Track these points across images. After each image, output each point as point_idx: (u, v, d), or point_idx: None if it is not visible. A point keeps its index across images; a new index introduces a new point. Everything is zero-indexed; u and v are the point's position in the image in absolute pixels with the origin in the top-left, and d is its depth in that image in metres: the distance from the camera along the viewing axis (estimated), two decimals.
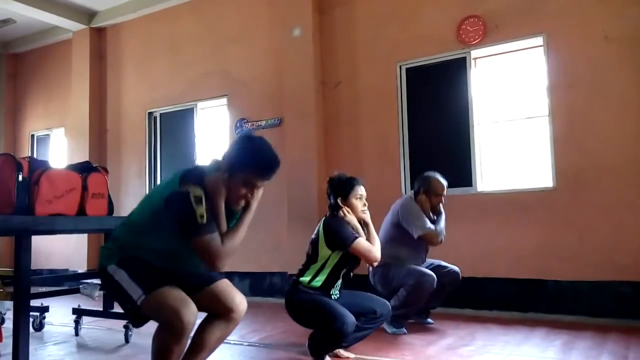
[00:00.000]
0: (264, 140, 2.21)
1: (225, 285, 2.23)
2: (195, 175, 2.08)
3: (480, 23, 4.81)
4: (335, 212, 3.11)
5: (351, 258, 3.05)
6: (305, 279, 3.02)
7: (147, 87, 7.06)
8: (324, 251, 3.01)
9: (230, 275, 5.95)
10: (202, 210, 1.98)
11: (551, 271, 4.39)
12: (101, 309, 3.99)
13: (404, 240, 3.86)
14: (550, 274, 4.39)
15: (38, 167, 2.89)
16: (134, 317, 2.15)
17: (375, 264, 3.12)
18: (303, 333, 3.27)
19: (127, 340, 3.67)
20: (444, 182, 3.97)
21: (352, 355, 3.13)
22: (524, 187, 4.67)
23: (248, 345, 3.57)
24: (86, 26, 7.43)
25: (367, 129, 5.41)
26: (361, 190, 3.16)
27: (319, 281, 3.00)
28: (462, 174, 4.88)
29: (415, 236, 3.82)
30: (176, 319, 1.93)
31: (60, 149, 7.97)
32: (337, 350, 3.08)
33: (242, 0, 6.36)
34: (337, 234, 2.99)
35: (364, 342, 3.36)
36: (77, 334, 3.99)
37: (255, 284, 5.92)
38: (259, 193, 2.20)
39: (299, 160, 5.56)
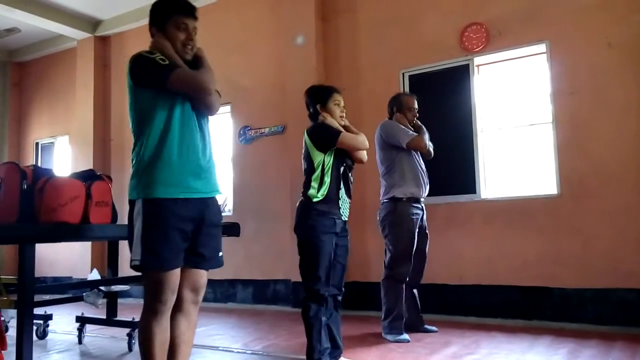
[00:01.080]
0: None
1: (200, 274, 2.24)
2: (140, 51, 2.21)
3: (483, 30, 4.82)
4: (315, 119, 3.15)
5: (344, 154, 3.08)
6: (312, 192, 2.99)
7: None
8: (316, 156, 3.02)
9: (233, 283, 5.97)
10: (159, 57, 2.12)
11: (555, 278, 4.37)
12: (104, 317, 3.99)
13: (398, 159, 3.94)
14: (555, 282, 4.37)
15: (42, 175, 2.91)
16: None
17: (365, 155, 3.14)
18: (305, 342, 3.26)
19: (130, 349, 3.66)
20: (414, 96, 4.15)
21: None
22: (528, 194, 4.66)
23: (252, 354, 3.56)
24: (90, 35, 7.49)
25: (371, 136, 5.36)
26: (339, 97, 3.18)
27: (324, 189, 2.98)
28: (466, 181, 4.87)
29: (404, 145, 3.89)
30: (159, 303, 2.06)
31: (64, 156, 8.00)
32: (340, 358, 3.07)
33: (245, 9, 6.40)
34: (321, 133, 3.04)
35: (367, 351, 3.36)
36: (80, 342, 4.00)
37: (259, 292, 5.91)
38: (202, 50, 2.32)
39: (301, 167, 5.55)
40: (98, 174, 3.26)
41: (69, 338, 4.17)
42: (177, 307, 2.20)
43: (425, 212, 4.06)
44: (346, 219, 3.10)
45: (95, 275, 3.89)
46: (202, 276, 2.25)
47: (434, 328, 4.09)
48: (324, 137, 3.04)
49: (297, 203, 3.11)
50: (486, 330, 4.15)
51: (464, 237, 4.76)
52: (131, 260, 2.09)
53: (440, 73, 5.13)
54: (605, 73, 4.30)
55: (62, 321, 4.64)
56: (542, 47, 4.64)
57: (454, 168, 4.96)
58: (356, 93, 5.54)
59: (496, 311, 4.57)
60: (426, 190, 4.04)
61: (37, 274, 7.89)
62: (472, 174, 4.86)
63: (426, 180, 4.06)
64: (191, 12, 2.26)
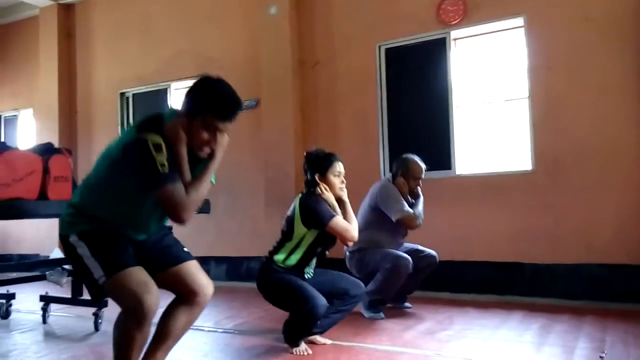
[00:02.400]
0: (222, 80, 2.07)
1: (192, 267, 2.13)
2: (153, 123, 1.95)
3: (460, 2, 4.72)
4: (312, 189, 3.01)
5: (327, 237, 2.97)
6: (280, 257, 2.93)
7: (118, 66, 6.82)
8: (299, 229, 2.92)
9: (206, 260, 5.86)
10: (162, 158, 1.86)
11: (528, 254, 4.39)
12: (70, 296, 3.86)
13: (382, 224, 3.80)
14: (527, 257, 4.39)
15: None
16: (94, 292, 2.07)
17: (351, 244, 3.04)
18: (279, 319, 3.20)
19: (96, 329, 3.55)
20: (423, 165, 3.92)
21: (328, 342, 3.07)
22: (502, 170, 4.64)
23: (223, 332, 3.49)
24: (53, 2, 7.12)
25: (346, 111, 5.31)
26: (339, 167, 3.06)
27: (293, 260, 2.92)
28: (440, 157, 4.83)
29: (394, 219, 3.75)
30: (137, 305, 1.85)
31: (29, 130, 7.69)
32: (313, 337, 3.02)
33: None
34: (313, 212, 2.91)
35: (340, 327, 3.32)
36: (44, 321, 3.86)
37: (232, 269, 5.82)
38: (224, 140, 2.08)
39: (276, 142, 5.45)
40: (57, 147, 3.09)
41: (33, 318, 4.03)
42: (184, 302, 2.08)
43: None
44: (310, 277, 3.01)
45: (57, 254, 3.73)
46: (195, 267, 2.14)
47: (407, 304, 4.08)
48: (315, 217, 2.90)
49: (261, 265, 3.01)
50: (459, 305, 4.17)
51: (438, 213, 4.72)
52: (98, 281, 1.93)
53: (417, 47, 5.03)
54: (582, 48, 4.26)
55: (28, 300, 4.48)
56: (519, 21, 4.57)
57: (429, 143, 4.90)
58: (331, 67, 5.41)
59: (469, 287, 4.59)
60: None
61: (3, 252, 7.68)
62: (447, 150, 4.82)
63: (402, 241, 3.97)
64: (230, 117, 2.01)
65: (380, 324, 3.57)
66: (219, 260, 5.88)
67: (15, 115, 7.87)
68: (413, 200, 3.90)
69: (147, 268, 1.99)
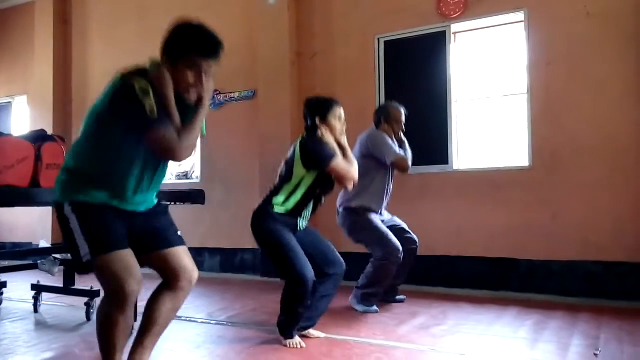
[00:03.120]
0: (199, 22, 2.07)
1: (180, 252, 2.09)
2: (138, 71, 1.94)
3: None
4: (312, 133, 2.97)
5: (326, 180, 2.93)
6: (279, 199, 2.88)
7: (114, 54, 6.74)
8: (299, 170, 2.88)
9: (200, 251, 5.84)
10: (150, 102, 1.83)
11: (524, 250, 4.38)
12: (61, 285, 3.82)
13: (374, 171, 3.82)
14: (523, 253, 4.38)
15: None
16: (79, 267, 2.03)
17: (351, 185, 2.99)
18: (273, 311, 3.18)
19: (88, 318, 3.51)
20: (402, 109, 4.02)
21: (322, 335, 3.05)
22: (500, 165, 4.62)
23: (216, 324, 3.46)
24: None
25: (344, 103, 5.09)
26: (341, 111, 3.04)
27: (291, 203, 2.88)
28: (439, 152, 4.80)
29: (389, 162, 3.79)
30: (120, 288, 1.85)
31: (23, 117, 7.61)
32: (307, 331, 3.00)
33: None
34: (315, 153, 2.87)
35: (334, 321, 3.30)
36: (36, 310, 3.82)
37: (226, 260, 5.80)
38: (210, 84, 2.04)
39: (272, 134, 5.41)
40: (50, 134, 3.04)
41: (24, 306, 3.99)
42: (168, 287, 2.05)
43: (384, 214, 3.98)
44: (303, 228, 2.98)
45: (45, 244, 3.69)
46: (183, 252, 2.10)
47: (402, 297, 4.07)
48: (316, 157, 2.86)
49: (257, 206, 2.96)
50: (454, 301, 4.15)
51: (435, 208, 4.72)
52: (82, 258, 1.90)
53: (416, 40, 4.98)
54: (583, 43, 4.23)
55: (20, 288, 4.44)
56: (520, 15, 4.53)
57: (427, 138, 4.87)
58: (330, 58, 5.37)
59: (464, 282, 4.57)
60: (384, 206, 3.95)
61: None
62: (445, 145, 4.79)
63: (388, 200, 3.98)
64: (213, 54, 2.00)
65: (374, 318, 3.55)
66: (213, 251, 5.85)
67: (9, 102, 7.79)
68: (400, 146, 3.92)
69: (137, 246, 1.98)
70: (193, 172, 6.28)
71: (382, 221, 3.87)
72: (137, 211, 2.04)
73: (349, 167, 2.92)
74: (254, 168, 5.53)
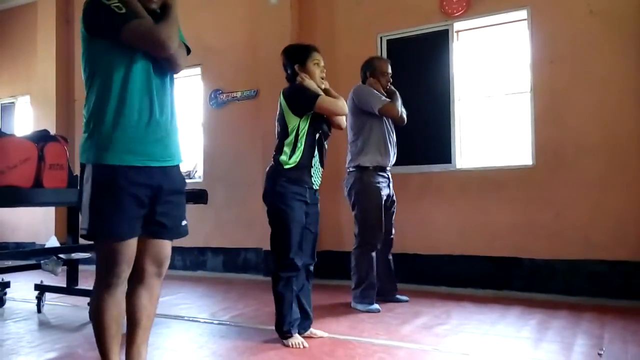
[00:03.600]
0: None
1: (163, 245, 2.07)
2: None
3: None
4: (293, 81, 2.99)
5: (321, 120, 2.94)
6: (283, 157, 2.87)
7: None
8: (291, 120, 2.87)
9: (203, 251, 5.84)
10: (115, 3, 1.88)
11: (527, 249, 4.36)
12: (65, 285, 3.83)
13: (368, 123, 3.83)
14: (526, 252, 4.37)
15: None
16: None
17: (343, 121, 3.01)
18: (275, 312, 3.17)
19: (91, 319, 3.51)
20: (387, 60, 4.03)
21: (325, 334, 3.05)
22: (503, 164, 4.61)
23: (218, 324, 3.46)
24: None
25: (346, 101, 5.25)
26: (319, 56, 3.02)
27: (297, 156, 2.86)
28: (441, 151, 4.79)
29: (376, 110, 3.78)
30: (109, 269, 1.92)
31: (26, 117, 7.62)
32: (310, 331, 3.00)
33: None
34: (298, 96, 2.89)
35: (337, 321, 3.30)
36: (39, 310, 3.84)
37: (229, 260, 5.79)
38: None
39: (274, 132, 5.37)
40: (53, 134, 3.05)
41: (28, 307, 4.00)
42: (139, 279, 2.05)
43: (391, 180, 3.98)
44: (317, 187, 2.98)
45: (53, 242, 3.70)
46: (165, 247, 2.07)
47: (405, 297, 4.07)
48: (301, 100, 2.87)
49: (267, 168, 2.97)
50: (457, 300, 4.14)
51: (437, 207, 4.70)
52: (80, 229, 1.94)
53: (419, 38, 4.97)
54: (586, 42, 4.21)
55: (23, 288, 4.46)
56: (522, 14, 4.51)
57: (430, 137, 4.86)
58: (332, 56, 5.33)
59: (467, 281, 4.56)
60: (392, 159, 3.96)
61: None
62: (447, 143, 4.78)
63: (394, 149, 3.97)
64: None
65: (376, 318, 3.54)
66: (216, 251, 5.85)
67: (12, 102, 7.81)
68: (389, 100, 3.89)
69: (144, 222, 1.98)
70: (196, 171, 6.28)
71: (388, 194, 3.90)
72: (165, 166, 1.99)
73: (336, 101, 2.92)
74: (256, 167, 5.52)
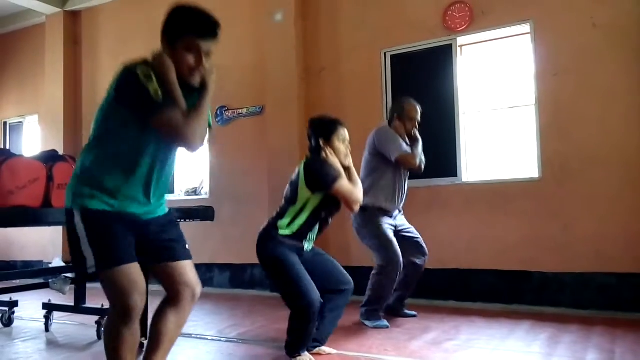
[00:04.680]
0: (194, 4, 2.04)
1: (185, 266, 2.08)
2: (139, 60, 1.94)
3: (467, 9, 4.70)
4: (316, 154, 2.97)
5: (332, 202, 2.91)
6: (284, 222, 2.86)
7: None
8: (304, 193, 2.86)
9: (210, 267, 5.84)
10: (154, 86, 1.83)
11: (535, 263, 4.33)
12: (72, 304, 3.83)
13: (382, 167, 3.79)
14: (535, 266, 4.34)
15: None
16: (82, 275, 2.02)
17: (357, 207, 2.98)
18: (283, 328, 3.15)
19: (99, 337, 3.51)
20: (417, 105, 3.91)
21: (334, 351, 3.02)
22: (509, 177, 4.60)
23: (226, 341, 3.45)
24: (60, 9, 7.15)
25: (351, 117, 5.24)
26: (345, 132, 3.02)
27: (296, 225, 2.85)
28: (447, 164, 4.79)
29: (393, 159, 3.73)
30: (124, 302, 1.86)
31: (34, 137, 7.70)
32: (319, 348, 2.98)
33: None
34: (318, 174, 2.86)
35: (346, 337, 3.28)
36: (47, 329, 3.84)
37: (236, 276, 5.79)
38: (213, 69, 2.05)
39: (281, 149, 5.42)
40: (61, 154, 3.08)
41: (36, 325, 4.00)
42: (171, 302, 2.05)
43: (400, 213, 3.97)
44: (309, 250, 2.97)
45: (58, 263, 3.71)
46: (187, 267, 2.08)
47: (413, 313, 4.04)
48: (319, 179, 2.85)
49: (261, 228, 2.95)
50: (466, 315, 4.11)
51: (444, 221, 4.69)
52: (87, 269, 1.90)
53: (422, 53, 5.00)
54: (590, 54, 4.23)
55: (30, 307, 4.46)
56: (526, 27, 4.54)
57: (436, 151, 4.85)
58: (336, 73, 5.40)
59: (476, 295, 4.53)
60: (399, 205, 3.92)
61: (7, 258, 7.63)
62: (453, 157, 4.78)
63: (403, 197, 3.94)
64: (210, 33, 1.97)
65: (385, 334, 3.52)
66: (223, 267, 5.85)
67: (20, 122, 7.90)
68: (411, 144, 3.87)
69: (145, 256, 1.99)
70: (202, 188, 6.31)
71: (395, 227, 3.85)
72: (148, 218, 2.03)
73: (354, 188, 2.91)
74: (262, 183, 5.54)
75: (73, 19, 7.28)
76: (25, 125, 7.87)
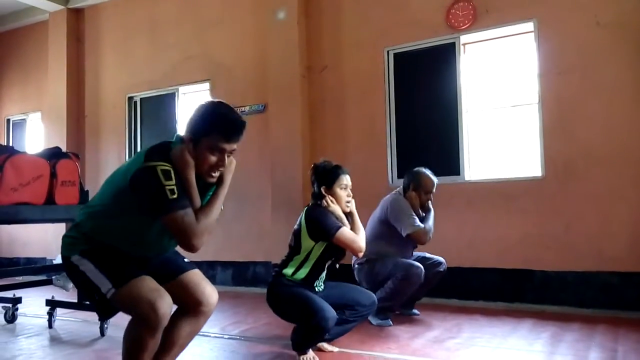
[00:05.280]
0: (224, 103, 2.06)
1: (195, 276, 2.10)
2: (160, 150, 1.93)
3: (470, 7, 4.69)
4: (318, 201, 2.98)
5: (336, 249, 2.93)
6: (289, 271, 2.90)
7: (127, 70, 6.84)
8: (306, 242, 2.89)
9: (213, 265, 5.85)
10: (171, 184, 1.83)
11: (538, 261, 4.33)
12: (76, 300, 3.85)
13: (391, 238, 3.75)
14: (537, 264, 4.34)
15: (2, 153, 2.72)
16: (102, 309, 2.04)
17: (361, 254, 2.99)
18: (286, 325, 3.17)
19: (102, 334, 3.53)
20: (435, 179, 3.86)
21: (336, 349, 3.03)
22: (512, 176, 4.59)
23: (229, 339, 3.45)
24: (63, 7, 7.15)
25: (354, 116, 5.28)
26: (346, 179, 3.02)
27: (302, 273, 2.89)
28: (450, 163, 4.79)
29: (404, 234, 3.70)
30: (152, 312, 1.83)
31: (37, 134, 7.72)
32: (320, 344, 2.98)
33: None
34: (319, 224, 2.87)
35: (348, 335, 3.27)
36: (50, 326, 3.85)
37: (238, 274, 5.80)
38: (232, 164, 2.06)
39: (283, 146, 5.43)
40: (64, 151, 3.09)
41: (39, 322, 4.02)
42: (186, 311, 2.07)
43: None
44: (321, 289, 2.99)
45: (60, 260, 3.71)
46: (199, 275, 2.12)
47: (416, 311, 4.04)
48: (321, 228, 2.86)
49: (271, 280, 2.96)
50: (468, 313, 4.11)
51: (447, 220, 4.68)
52: (105, 295, 1.89)
53: (425, 51, 4.99)
54: (593, 53, 4.21)
55: (34, 304, 4.48)
56: (529, 26, 4.53)
57: (438, 149, 4.87)
58: (339, 71, 5.39)
59: (478, 294, 4.53)
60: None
61: (10, 255, 7.66)
62: (456, 155, 4.77)
63: (412, 253, 3.92)
64: (235, 138, 1.98)
65: (388, 332, 3.52)
66: (226, 265, 5.86)
67: (23, 119, 7.91)
68: (424, 214, 3.85)
69: (154, 277, 1.99)
70: None
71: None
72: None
73: (355, 237, 2.91)
74: (265, 181, 5.54)
75: (76, 16, 7.28)
76: (29, 123, 7.88)
